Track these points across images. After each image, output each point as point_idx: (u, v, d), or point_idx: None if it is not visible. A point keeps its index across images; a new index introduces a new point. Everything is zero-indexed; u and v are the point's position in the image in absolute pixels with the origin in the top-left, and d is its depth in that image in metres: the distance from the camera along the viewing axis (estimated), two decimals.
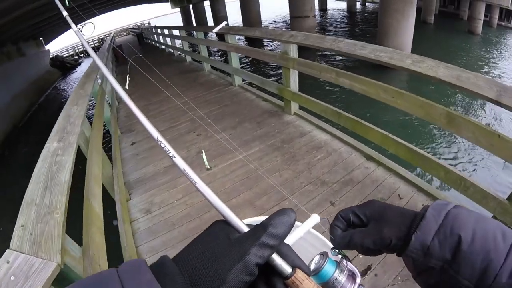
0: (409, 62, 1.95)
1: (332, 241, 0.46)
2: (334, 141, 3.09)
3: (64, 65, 22.82)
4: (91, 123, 2.56)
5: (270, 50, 13.13)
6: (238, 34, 4.20)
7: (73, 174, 1.45)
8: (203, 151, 1.65)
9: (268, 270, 0.33)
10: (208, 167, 2.79)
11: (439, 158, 3.87)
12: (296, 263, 0.34)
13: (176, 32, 8.74)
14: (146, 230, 2.37)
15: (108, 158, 2.76)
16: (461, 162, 5.33)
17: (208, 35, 18.17)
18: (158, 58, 10.91)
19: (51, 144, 1.65)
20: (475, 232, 0.35)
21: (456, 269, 0.35)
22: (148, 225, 2.42)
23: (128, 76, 2.59)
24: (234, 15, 25.15)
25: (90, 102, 2.81)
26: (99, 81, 3.82)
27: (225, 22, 4.82)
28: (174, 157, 0.39)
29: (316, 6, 15.62)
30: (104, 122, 3.30)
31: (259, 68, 11.67)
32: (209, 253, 0.31)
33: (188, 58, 8.30)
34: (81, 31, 0.86)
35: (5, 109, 12.01)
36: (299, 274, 0.33)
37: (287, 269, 0.33)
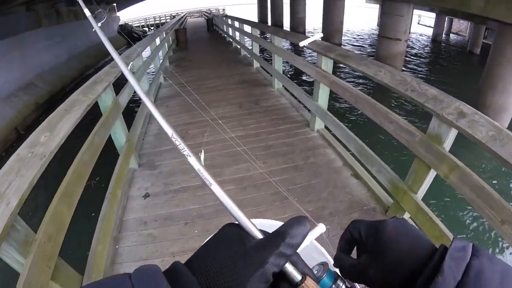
0: None
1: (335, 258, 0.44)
2: None
3: (132, 34, 22.66)
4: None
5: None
6: (343, 63, 2.63)
7: None
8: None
9: (278, 276, 0.32)
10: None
11: None
12: (305, 270, 0.33)
13: (247, 28, 7.34)
14: None
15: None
16: None
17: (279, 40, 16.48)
18: (221, 53, 9.68)
19: None
20: None
21: None
22: None
23: None
24: (313, 20, 23.34)
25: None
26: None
27: (320, 35, 3.32)
28: (189, 156, 0.39)
29: None
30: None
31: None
32: (225, 260, 0.30)
33: (256, 64, 6.88)
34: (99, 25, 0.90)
35: (56, 69, 11.59)
36: (309, 281, 0.32)
37: (298, 276, 0.32)
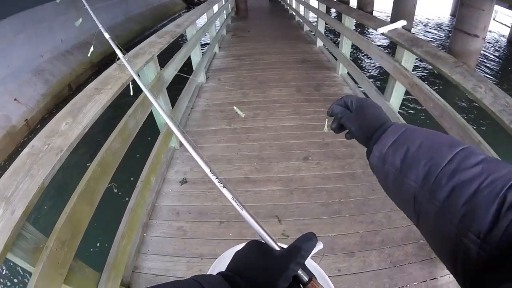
0: None
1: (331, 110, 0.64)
2: None
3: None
4: None
5: None
6: (430, 64, 2.16)
7: None
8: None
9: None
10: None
11: None
12: (311, 274, 0.43)
13: (313, 2, 6.82)
14: None
15: None
16: None
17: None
18: (282, 26, 9.22)
19: None
20: (422, 143, 0.44)
21: (404, 173, 0.44)
22: None
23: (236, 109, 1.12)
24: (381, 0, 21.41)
25: None
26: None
27: (403, 22, 2.87)
28: (224, 187, 0.50)
29: None
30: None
31: None
32: (258, 266, 0.42)
33: (319, 43, 6.41)
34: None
35: (113, 29, 11.94)
36: (315, 282, 0.42)
37: (306, 277, 0.42)
